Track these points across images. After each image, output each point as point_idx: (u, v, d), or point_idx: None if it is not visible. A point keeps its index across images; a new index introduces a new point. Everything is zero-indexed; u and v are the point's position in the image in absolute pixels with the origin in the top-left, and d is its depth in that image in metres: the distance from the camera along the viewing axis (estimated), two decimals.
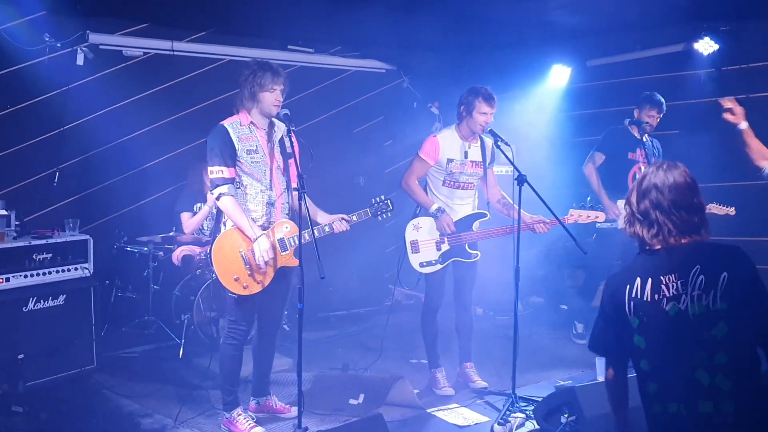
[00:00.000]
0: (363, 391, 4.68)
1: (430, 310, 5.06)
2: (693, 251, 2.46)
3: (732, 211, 5.45)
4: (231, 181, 4.04)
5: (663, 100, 5.85)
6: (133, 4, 5.80)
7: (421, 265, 4.91)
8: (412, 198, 4.96)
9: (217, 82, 6.62)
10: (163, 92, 6.50)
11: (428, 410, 4.66)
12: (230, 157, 4.02)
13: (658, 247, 2.50)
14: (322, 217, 4.25)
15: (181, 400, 4.71)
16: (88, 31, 5.88)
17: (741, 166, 6.02)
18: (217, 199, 4.03)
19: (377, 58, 7.66)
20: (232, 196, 4.02)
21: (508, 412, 4.44)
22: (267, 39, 6.89)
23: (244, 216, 4.03)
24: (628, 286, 2.49)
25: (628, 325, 2.49)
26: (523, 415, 4.40)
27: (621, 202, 5.66)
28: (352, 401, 4.65)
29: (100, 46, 6.01)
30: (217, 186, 4.01)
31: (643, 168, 5.86)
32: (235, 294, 4.09)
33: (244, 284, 4.07)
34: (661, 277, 2.44)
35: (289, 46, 6.99)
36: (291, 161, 4.22)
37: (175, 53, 6.37)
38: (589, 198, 5.20)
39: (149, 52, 6.33)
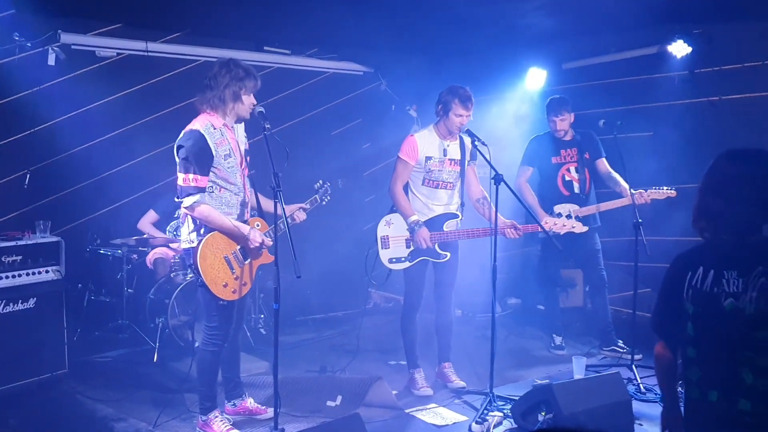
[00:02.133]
0: (341, 393, 4.65)
1: (410, 310, 5.06)
2: (756, 249, 2.42)
3: (673, 192, 5.34)
4: (203, 190, 3.92)
5: (558, 101, 5.85)
6: (107, 4, 5.72)
7: (390, 261, 4.93)
8: (395, 205, 4.94)
9: (192, 83, 6.49)
10: (137, 93, 6.42)
11: (407, 410, 4.64)
12: (206, 165, 3.90)
13: (727, 238, 2.45)
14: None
15: (156, 404, 4.64)
16: (59, 31, 5.79)
17: None
18: (189, 208, 3.90)
19: (355, 60, 7.65)
20: (206, 203, 3.92)
21: (485, 411, 4.45)
22: (243, 40, 6.84)
23: (225, 218, 3.96)
24: (689, 273, 2.47)
25: (683, 309, 2.48)
26: (501, 414, 4.41)
27: (558, 208, 5.63)
28: (329, 403, 4.61)
29: (73, 47, 5.93)
30: (190, 195, 3.88)
31: (572, 168, 5.87)
32: (225, 301, 4.03)
33: (233, 289, 4.04)
34: (724, 272, 2.41)
35: (265, 48, 6.95)
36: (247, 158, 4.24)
37: (150, 54, 6.30)
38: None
39: (123, 53, 6.25)
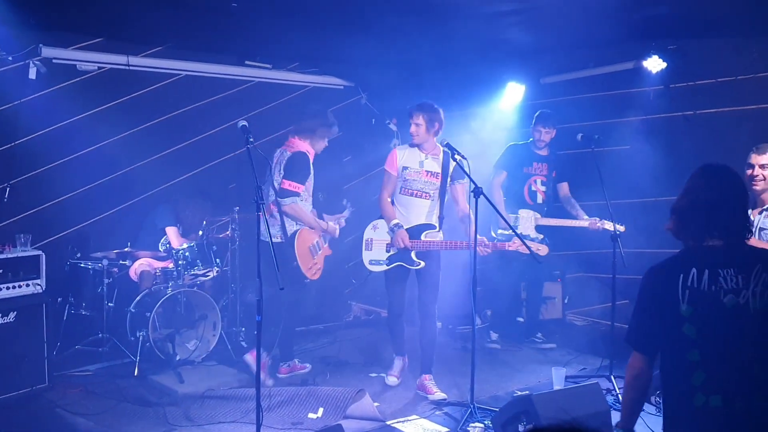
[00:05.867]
0: (322, 405, 4.66)
1: (394, 315, 5.37)
2: (750, 251, 2.57)
3: (621, 228, 5.59)
4: (299, 194, 5.23)
5: (548, 115, 6.25)
6: (88, 18, 5.72)
7: (371, 262, 5.27)
8: (380, 211, 5.29)
9: (173, 97, 6.58)
10: (118, 107, 6.41)
11: (388, 422, 4.66)
12: (305, 178, 5.29)
13: (715, 243, 2.55)
14: None
15: (137, 418, 4.63)
16: (40, 45, 5.78)
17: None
18: (288, 206, 5.18)
19: (335, 75, 7.70)
20: (298, 204, 5.22)
21: (467, 423, 4.49)
22: (224, 54, 6.86)
23: (311, 215, 5.37)
24: (681, 276, 2.51)
25: (677, 314, 2.50)
26: (482, 425, 4.45)
27: (522, 212, 6.08)
28: (311, 415, 4.63)
29: (54, 60, 5.92)
30: (289, 196, 5.20)
31: (539, 181, 6.11)
32: (308, 279, 5.28)
33: (314, 272, 5.32)
34: (719, 270, 2.49)
35: (247, 62, 6.96)
36: None
37: (131, 68, 6.30)
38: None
39: (104, 67, 6.24)
